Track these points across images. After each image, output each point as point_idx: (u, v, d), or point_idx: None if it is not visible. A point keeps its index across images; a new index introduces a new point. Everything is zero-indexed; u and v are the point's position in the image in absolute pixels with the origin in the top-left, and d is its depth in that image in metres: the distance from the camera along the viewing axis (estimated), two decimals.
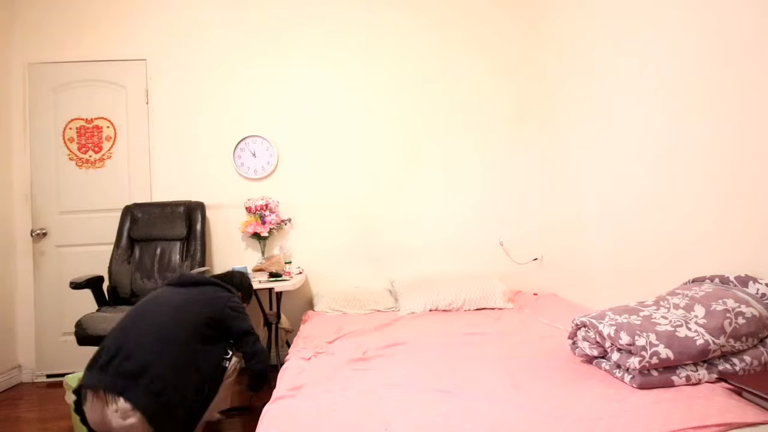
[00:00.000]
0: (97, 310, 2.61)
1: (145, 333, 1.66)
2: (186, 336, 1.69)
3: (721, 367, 1.41)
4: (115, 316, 2.43)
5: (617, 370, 1.50)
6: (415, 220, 3.21)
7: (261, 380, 1.94)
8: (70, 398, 2.06)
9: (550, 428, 1.18)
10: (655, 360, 1.39)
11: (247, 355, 1.89)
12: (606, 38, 2.40)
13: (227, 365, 1.81)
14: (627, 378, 1.44)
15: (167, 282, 1.98)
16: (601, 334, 1.54)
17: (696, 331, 1.43)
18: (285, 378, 1.66)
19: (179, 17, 3.13)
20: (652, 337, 1.42)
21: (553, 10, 2.96)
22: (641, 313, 1.56)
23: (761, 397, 1.20)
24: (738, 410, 1.20)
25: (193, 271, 2.61)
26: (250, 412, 2.33)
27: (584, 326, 1.64)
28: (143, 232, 2.90)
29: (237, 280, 2.17)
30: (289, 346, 2.68)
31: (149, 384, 1.53)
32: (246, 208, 3.04)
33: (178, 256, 2.89)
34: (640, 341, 1.41)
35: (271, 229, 2.99)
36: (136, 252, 2.91)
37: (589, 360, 1.65)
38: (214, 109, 3.14)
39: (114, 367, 1.56)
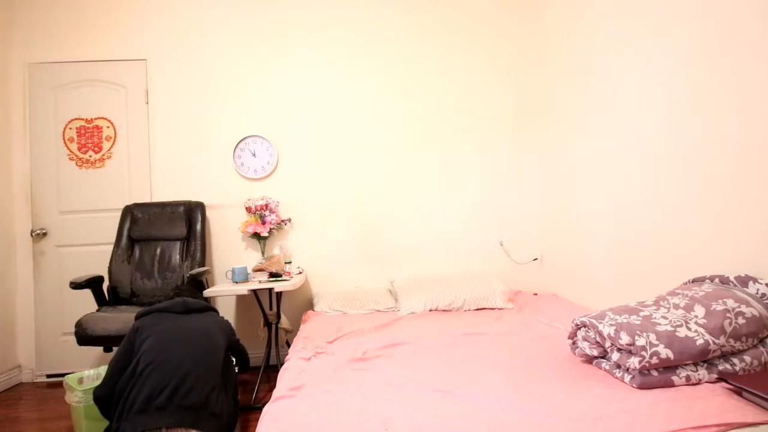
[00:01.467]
0: (97, 310, 2.61)
1: (196, 364, 1.75)
2: (219, 361, 1.86)
3: (721, 367, 1.41)
4: (115, 316, 2.44)
5: (617, 370, 1.50)
6: (416, 220, 3.21)
7: (247, 365, 2.26)
8: (71, 398, 2.07)
9: (550, 428, 1.18)
10: (655, 360, 1.39)
11: (240, 358, 2.18)
12: (606, 38, 2.40)
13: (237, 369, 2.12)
14: (627, 378, 1.44)
15: (168, 308, 1.98)
16: (601, 334, 1.54)
17: (696, 331, 1.43)
18: (285, 378, 1.66)
19: (179, 17, 3.13)
20: (652, 337, 1.42)
21: (553, 10, 2.96)
22: (641, 313, 1.56)
23: (761, 397, 1.20)
24: (738, 410, 1.20)
25: (193, 271, 2.62)
26: (251, 411, 2.33)
27: (584, 326, 1.64)
28: (143, 232, 2.90)
29: (199, 298, 2.32)
30: (289, 346, 2.69)
31: (212, 412, 1.69)
32: (246, 208, 3.04)
33: (178, 256, 2.89)
34: (640, 341, 1.41)
35: (271, 229, 2.99)
36: (136, 252, 2.91)
37: (589, 360, 1.65)
38: (214, 109, 3.14)
39: (176, 404, 1.64)
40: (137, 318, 1.96)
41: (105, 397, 1.78)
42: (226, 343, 1.97)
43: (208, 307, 2.09)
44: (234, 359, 2.13)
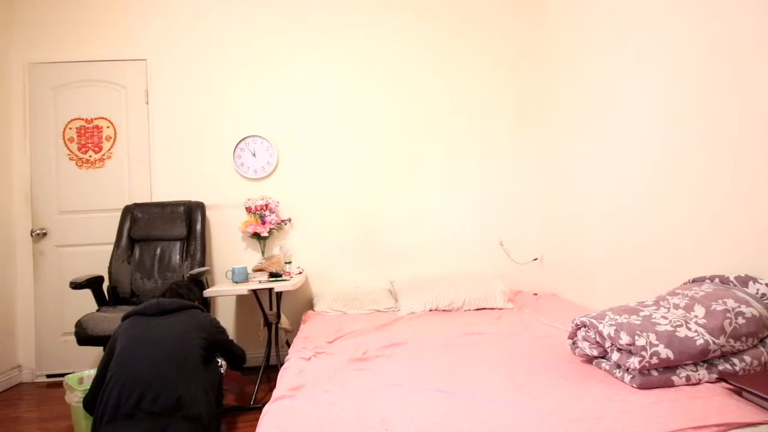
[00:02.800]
0: (97, 310, 2.61)
1: (163, 368, 1.69)
2: (196, 361, 1.81)
3: (721, 367, 1.41)
4: (115, 316, 2.43)
5: (617, 370, 1.50)
6: (416, 219, 3.21)
7: (241, 364, 2.20)
8: (71, 398, 2.07)
9: (550, 428, 1.18)
10: (655, 360, 1.39)
11: (230, 357, 2.12)
12: (606, 38, 2.40)
13: (222, 369, 2.05)
14: (627, 378, 1.44)
15: (142, 311, 1.92)
16: (601, 334, 1.54)
17: (696, 331, 1.43)
18: (285, 378, 1.66)
19: (179, 17, 3.13)
20: (652, 337, 1.42)
21: (554, 10, 2.96)
22: (641, 313, 1.56)
23: (761, 397, 1.20)
24: (738, 410, 1.20)
25: (193, 271, 2.62)
26: (250, 411, 2.33)
27: (584, 326, 1.64)
28: (143, 232, 2.90)
29: (195, 294, 2.27)
30: (289, 346, 2.69)
31: (186, 414, 1.64)
32: (246, 208, 3.04)
33: (178, 256, 2.89)
34: (640, 341, 1.41)
35: (271, 229, 2.99)
36: (136, 252, 2.91)
37: (589, 360, 1.65)
38: (214, 109, 3.14)
39: (145, 410, 1.60)
40: (122, 320, 1.94)
41: (91, 405, 1.77)
42: (205, 341, 1.89)
43: (187, 306, 1.99)
44: (220, 359, 2.11)
